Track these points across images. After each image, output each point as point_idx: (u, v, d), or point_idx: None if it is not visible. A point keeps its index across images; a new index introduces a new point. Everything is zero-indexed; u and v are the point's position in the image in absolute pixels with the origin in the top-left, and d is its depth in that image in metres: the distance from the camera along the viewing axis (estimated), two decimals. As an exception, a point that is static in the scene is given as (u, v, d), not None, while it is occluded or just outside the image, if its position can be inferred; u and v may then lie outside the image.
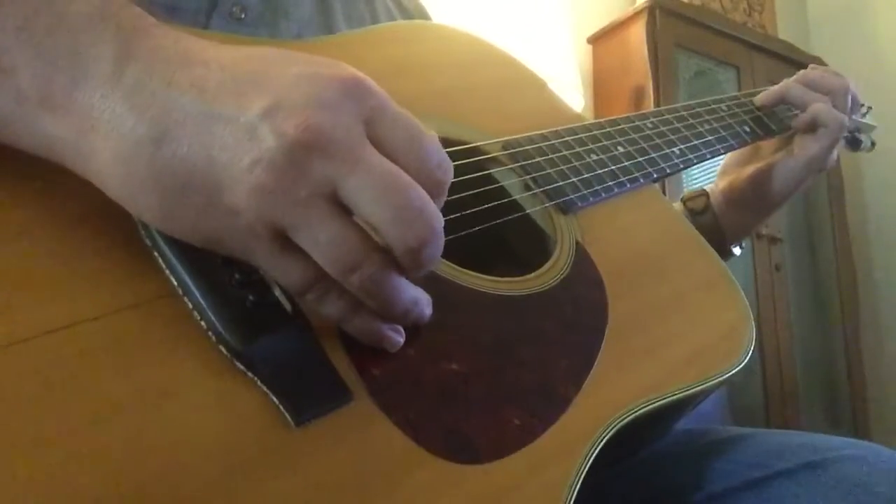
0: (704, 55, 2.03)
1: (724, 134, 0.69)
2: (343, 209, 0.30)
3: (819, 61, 2.22)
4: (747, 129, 0.72)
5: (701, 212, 0.75)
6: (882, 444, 0.48)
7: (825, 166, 0.73)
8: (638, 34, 1.91)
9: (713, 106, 0.72)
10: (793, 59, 2.16)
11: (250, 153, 0.28)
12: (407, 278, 0.33)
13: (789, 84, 0.75)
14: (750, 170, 0.74)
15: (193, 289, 0.31)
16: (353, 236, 0.30)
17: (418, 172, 0.31)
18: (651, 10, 1.90)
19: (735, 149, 0.71)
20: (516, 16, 1.53)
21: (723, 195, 0.75)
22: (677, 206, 0.76)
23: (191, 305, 0.31)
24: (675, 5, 1.97)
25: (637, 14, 1.93)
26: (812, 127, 0.71)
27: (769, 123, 0.74)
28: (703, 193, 0.76)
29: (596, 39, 2.06)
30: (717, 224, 0.74)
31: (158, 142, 0.28)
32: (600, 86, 2.02)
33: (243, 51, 0.31)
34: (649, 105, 1.81)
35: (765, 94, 0.76)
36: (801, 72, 0.76)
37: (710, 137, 0.68)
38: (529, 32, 1.53)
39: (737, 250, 0.76)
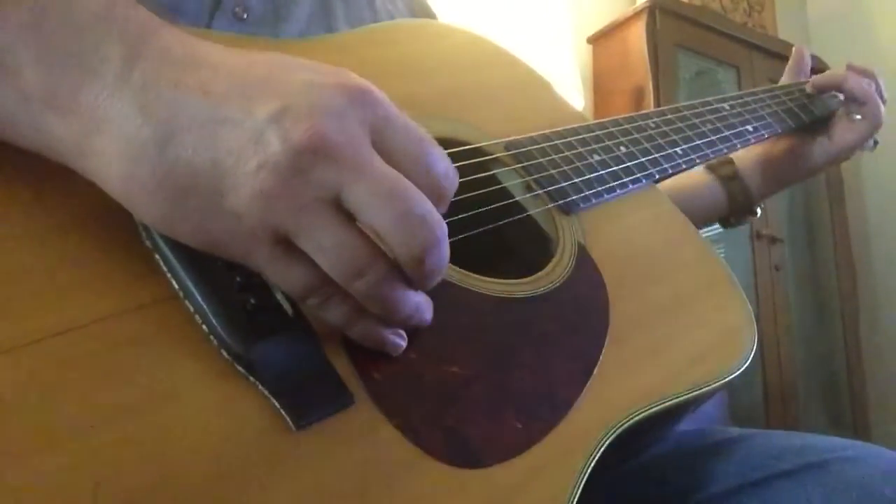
0: (704, 55, 2.04)
1: (727, 133, 0.69)
2: (347, 215, 0.30)
3: (819, 61, 2.22)
4: (751, 128, 0.72)
5: (731, 178, 0.79)
6: (882, 445, 0.48)
7: (851, 156, 0.80)
8: (638, 34, 1.91)
9: (716, 105, 0.72)
10: (793, 59, 2.16)
11: (256, 157, 0.28)
12: (416, 290, 0.33)
13: (847, 75, 0.79)
14: (788, 143, 0.79)
15: (194, 292, 0.31)
16: (357, 242, 0.30)
17: (422, 181, 0.31)
18: (651, 10, 1.90)
19: (738, 149, 0.71)
20: (516, 15, 1.53)
21: (757, 160, 0.80)
22: (702, 172, 0.80)
23: (192, 309, 0.31)
24: (675, 5, 1.97)
25: (637, 14, 1.93)
26: (862, 100, 0.76)
27: (773, 123, 0.74)
28: (730, 161, 0.80)
29: (596, 39, 2.06)
30: (747, 188, 0.79)
31: (164, 144, 0.28)
32: (600, 86, 2.02)
33: (250, 55, 0.31)
34: (649, 105, 1.81)
35: (821, 78, 0.80)
36: (850, 64, 0.81)
37: (712, 137, 0.68)
38: (529, 32, 1.53)
39: (758, 210, 0.82)
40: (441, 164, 0.32)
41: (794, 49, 0.86)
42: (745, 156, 0.79)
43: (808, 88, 0.81)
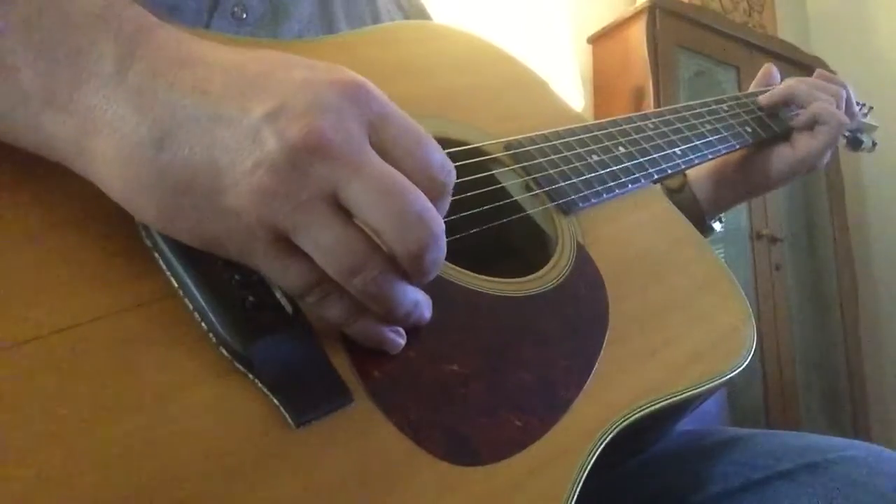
0: (704, 55, 2.03)
1: (725, 134, 0.70)
2: (345, 213, 0.30)
3: (819, 61, 2.22)
4: (749, 129, 0.72)
5: (678, 189, 0.75)
6: (882, 445, 0.48)
7: (819, 164, 0.74)
8: (638, 34, 1.91)
9: (714, 106, 0.72)
10: (793, 59, 2.16)
11: (252, 155, 0.28)
12: (413, 285, 0.33)
13: (793, 84, 0.76)
14: (744, 152, 0.75)
15: (194, 290, 0.31)
16: (355, 239, 0.30)
17: (421, 176, 0.31)
18: (651, 10, 1.90)
19: (736, 149, 0.71)
20: (516, 16, 1.53)
21: (708, 171, 0.76)
22: None
23: (191, 306, 0.31)
24: (675, 5, 1.97)
25: (637, 14, 1.92)
26: (811, 124, 0.73)
27: (771, 124, 0.74)
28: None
29: (596, 39, 2.06)
30: (695, 200, 0.75)
31: (160, 143, 0.28)
32: (600, 86, 2.02)
33: (246, 54, 0.31)
34: (649, 105, 1.81)
35: (770, 94, 0.77)
36: (803, 77, 0.78)
37: (711, 137, 0.68)
38: (529, 32, 1.53)
39: (717, 226, 0.77)
40: (437, 159, 0.32)
41: (763, 66, 0.82)
42: (698, 167, 0.73)
43: (760, 103, 0.76)
